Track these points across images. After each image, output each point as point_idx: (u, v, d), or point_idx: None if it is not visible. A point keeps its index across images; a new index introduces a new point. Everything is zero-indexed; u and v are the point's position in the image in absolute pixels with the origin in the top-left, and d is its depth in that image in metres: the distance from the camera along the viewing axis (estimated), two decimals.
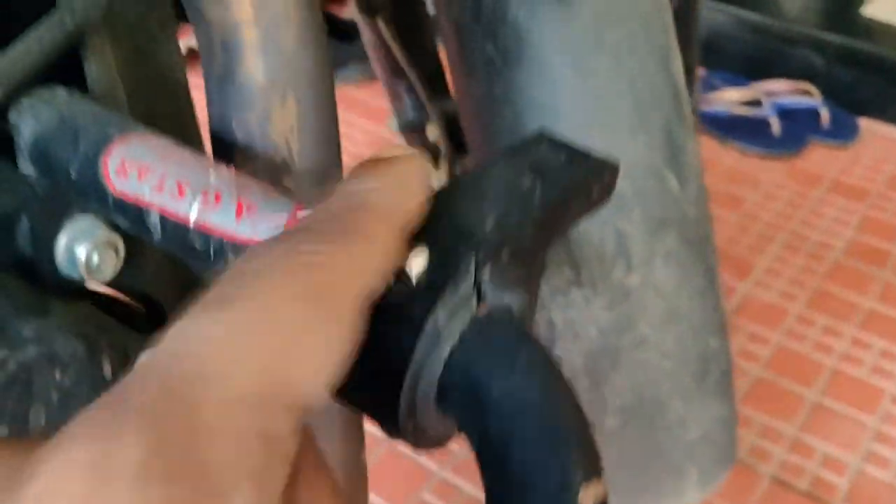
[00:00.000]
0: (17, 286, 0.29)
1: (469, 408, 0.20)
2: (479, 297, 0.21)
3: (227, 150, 0.35)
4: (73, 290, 0.30)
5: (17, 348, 0.28)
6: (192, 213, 0.25)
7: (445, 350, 0.20)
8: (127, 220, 0.27)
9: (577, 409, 0.19)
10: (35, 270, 0.30)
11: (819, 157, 1.46)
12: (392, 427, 0.21)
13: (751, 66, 1.58)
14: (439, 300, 0.20)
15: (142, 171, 0.26)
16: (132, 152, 0.27)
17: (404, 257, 0.20)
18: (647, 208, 0.52)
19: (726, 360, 0.58)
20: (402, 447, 0.95)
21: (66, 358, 0.28)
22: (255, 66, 0.32)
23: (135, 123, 0.28)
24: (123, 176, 0.26)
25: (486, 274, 0.21)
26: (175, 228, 0.26)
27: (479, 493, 1.02)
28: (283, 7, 0.31)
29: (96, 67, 0.30)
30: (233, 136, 0.35)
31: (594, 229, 0.52)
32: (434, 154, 0.81)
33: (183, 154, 0.27)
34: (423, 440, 0.22)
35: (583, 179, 0.24)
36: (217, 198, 0.25)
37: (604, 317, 0.54)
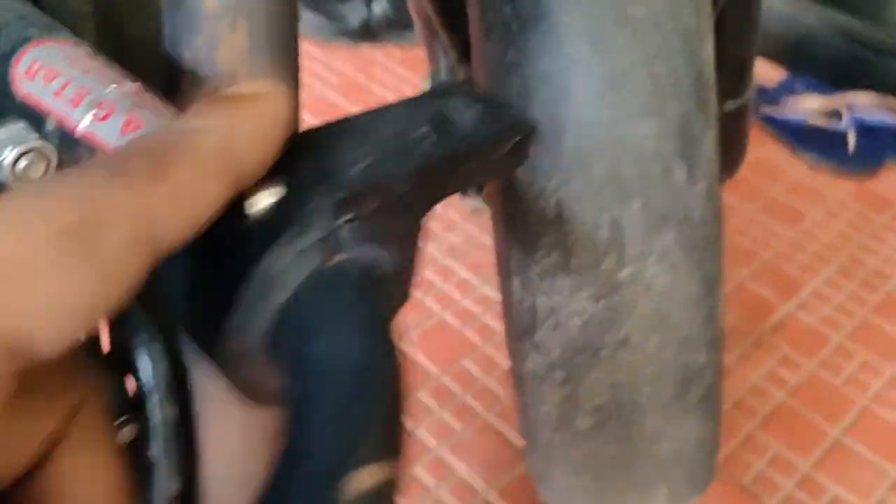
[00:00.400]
0: None
1: (291, 364, 0.18)
2: (332, 247, 0.19)
3: (175, 74, 0.34)
4: None
5: None
6: (83, 123, 0.24)
7: (279, 298, 0.18)
8: (30, 125, 0.26)
9: (394, 386, 0.17)
10: None
11: (893, 180, 1.38)
12: (222, 372, 0.19)
13: (837, 74, 1.49)
14: (280, 242, 0.18)
15: (48, 75, 0.25)
16: (45, 55, 0.26)
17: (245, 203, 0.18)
18: (649, 200, 0.48)
19: (713, 379, 0.53)
20: (451, 319, 1.02)
21: None
22: None
23: (65, 31, 0.27)
24: (30, 79, 0.25)
25: (344, 222, 0.19)
26: (66, 138, 0.25)
27: None
28: None
29: None
30: (180, 60, 0.33)
31: (588, 214, 0.48)
32: None
33: (94, 64, 0.26)
34: (255, 391, 0.20)
35: (488, 137, 0.22)
36: (110, 111, 0.24)
37: (589, 309, 0.50)
